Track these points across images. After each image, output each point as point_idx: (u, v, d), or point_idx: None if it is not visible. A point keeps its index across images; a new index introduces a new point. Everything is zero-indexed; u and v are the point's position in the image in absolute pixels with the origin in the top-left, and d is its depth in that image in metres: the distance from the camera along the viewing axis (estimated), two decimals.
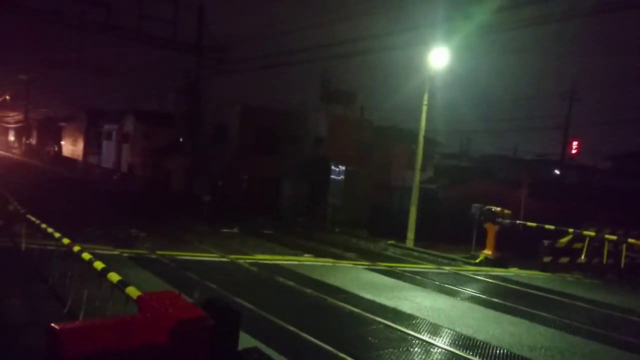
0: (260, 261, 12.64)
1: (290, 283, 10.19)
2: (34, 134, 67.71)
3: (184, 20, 30.32)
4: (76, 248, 6.86)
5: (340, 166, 23.22)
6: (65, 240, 7.41)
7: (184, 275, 10.15)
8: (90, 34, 26.73)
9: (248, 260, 12.50)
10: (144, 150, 38.76)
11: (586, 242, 14.46)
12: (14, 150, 68.26)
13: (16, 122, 68.59)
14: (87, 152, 52.67)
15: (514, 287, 12.19)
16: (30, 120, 64.35)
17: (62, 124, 58.67)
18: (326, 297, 9.21)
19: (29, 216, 9.90)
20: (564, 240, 14.89)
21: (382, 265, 13.60)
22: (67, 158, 55.72)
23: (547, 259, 14.85)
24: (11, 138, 75.24)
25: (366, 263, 13.82)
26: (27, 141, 65.96)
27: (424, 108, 18.55)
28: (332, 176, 23.33)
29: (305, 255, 15.09)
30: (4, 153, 62.48)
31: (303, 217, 23.43)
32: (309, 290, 9.64)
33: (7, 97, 51.48)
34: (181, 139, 33.76)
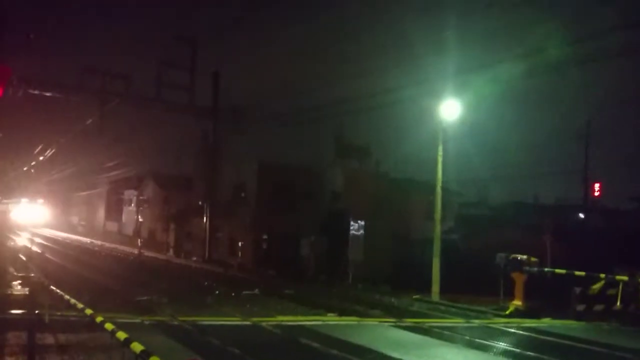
0: (283, 322, 12.36)
1: (315, 344, 9.90)
2: (59, 203, 69.30)
3: (200, 84, 31.48)
4: (99, 318, 6.81)
5: (359, 221, 23.08)
6: (88, 311, 7.38)
7: (206, 341, 9.95)
8: (111, 104, 27.79)
9: (270, 323, 12.23)
10: (164, 215, 39.19)
11: (620, 288, 13.91)
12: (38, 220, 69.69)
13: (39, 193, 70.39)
14: (108, 219, 53.46)
15: (549, 338, 11.66)
16: (53, 190, 66.04)
17: (83, 193, 60.09)
18: (352, 357, 8.90)
19: (52, 287, 9.95)
20: (597, 286, 14.33)
21: (409, 321, 13.18)
22: (88, 225, 56.60)
23: (580, 307, 14.25)
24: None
25: (392, 320, 13.42)
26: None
27: (439, 159, 18.59)
28: (351, 231, 23.16)
29: (329, 314, 14.75)
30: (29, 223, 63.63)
31: (324, 274, 23.10)
32: (334, 352, 9.34)
33: (32, 170, 53.34)
34: (200, 202, 34.13)
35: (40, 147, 40.52)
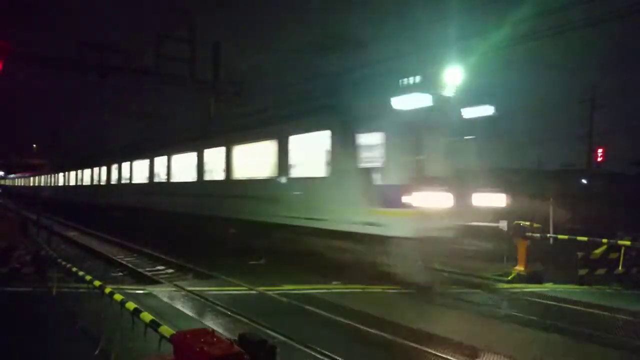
0: (290, 291, 12.54)
1: (321, 312, 10.07)
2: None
3: (202, 58, 31.04)
4: (107, 290, 6.92)
5: None
6: (97, 283, 7.48)
7: (215, 310, 10.13)
8: (110, 79, 27.51)
9: (277, 291, 12.42)
10: None
11: (622, 252, 14.00)
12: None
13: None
14: None
15: (551, 303, 11.81)
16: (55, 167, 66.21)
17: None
18: (358, 325, 9.06)
19: (59, 260, 10.07)
20: (599, 251, 14.43)
21: (412, 288, 13.34)
22: None
23: (582, 272, 14.39)
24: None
25: (395, 287, 13.59)
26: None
27: None
28: None
29: (334, 282, 14.93)
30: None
31: None
32: (340, 319, 9.51)
33: (34, 145, 53.50)
34: None
35: None
